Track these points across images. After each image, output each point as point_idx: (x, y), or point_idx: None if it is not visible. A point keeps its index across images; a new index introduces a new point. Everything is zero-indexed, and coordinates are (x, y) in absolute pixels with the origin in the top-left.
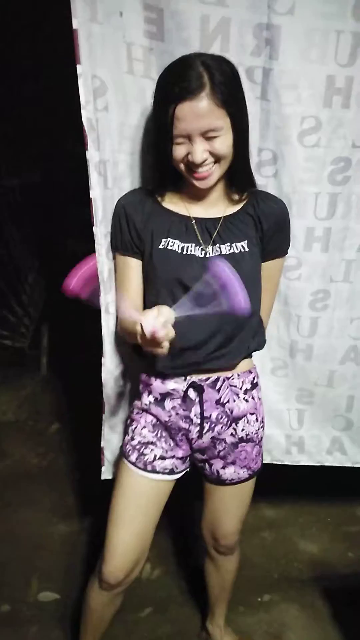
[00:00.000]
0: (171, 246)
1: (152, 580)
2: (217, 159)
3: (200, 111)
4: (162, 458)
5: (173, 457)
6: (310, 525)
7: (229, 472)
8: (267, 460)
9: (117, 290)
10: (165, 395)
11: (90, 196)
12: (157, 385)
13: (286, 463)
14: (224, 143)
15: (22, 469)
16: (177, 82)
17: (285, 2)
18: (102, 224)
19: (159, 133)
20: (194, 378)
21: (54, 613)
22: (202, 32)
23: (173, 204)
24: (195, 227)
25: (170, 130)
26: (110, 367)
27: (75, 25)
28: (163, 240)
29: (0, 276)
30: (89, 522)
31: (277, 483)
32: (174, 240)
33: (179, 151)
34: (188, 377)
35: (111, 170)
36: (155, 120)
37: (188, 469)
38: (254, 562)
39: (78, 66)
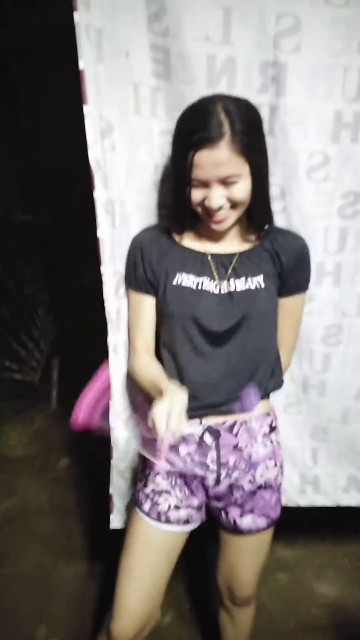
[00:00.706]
0: (185, 282)
1: (163, 627)
2: (234, 205)
3: (218, 160)
4: (177, 507)
5: (188, 506)
6: (327, 567)
7: (246, 521)
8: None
9: (130, 329)
10: (179, 441)
11: (98, 235)
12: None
13: (301, 505)
14: (242, 189)
15: (31, 507)
16: (196, 129)
17: (291, 40)
18: (109, 263)
19: (177, 176)
20: (210, 422)
21: None
22: (209, 71)
23: (189, 241)
24: (211, 262)
25: (188, 176)
26: (119, 409)
27: (81, 65)
28: (177, 275)
29: (10, 310)
30: (99, 563)
31: (291, 521)
32: (188, 275)
33: (196, 195)
34: (204, 421)
35: (119, 209)
36: (173, 163)
37: (204, 520)
38: (267, 607)
39: (85, 107)
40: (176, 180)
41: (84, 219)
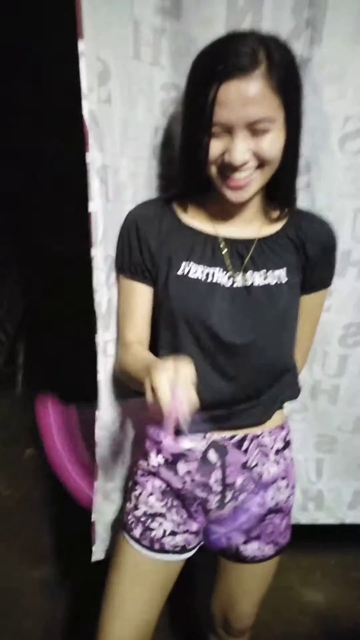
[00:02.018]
0: (193, 273)
1: None
2: (262, 164)
3: (250, 95)
4: (173, 534)
5: (186, 531)
6: (314, 570)
7: (251, 549)
8: None
9: (119, 321)
10: (178, 457)
11: (90, 210)
12: (169, 443)
13: (302, 522)
14: (274, 143)
15: None
16: (224, 56)
17: None
18: (101, 244)
19: (191, 122)
20: (216, 436)
21: None
22: (229, 9)
23: (196, 219)
24: (224, 249)
25: (207, 117)
26: (107, 421)
27: None
28: (183, 263)
29: None
30: (67, 569)
31: None
32: (196, 265)
33: (215, 146)
34: (208, 435)
35: (112, 178)
36: (188, 103)
37: (202, 543)
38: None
39: (80, 43)
40: (189, 129)
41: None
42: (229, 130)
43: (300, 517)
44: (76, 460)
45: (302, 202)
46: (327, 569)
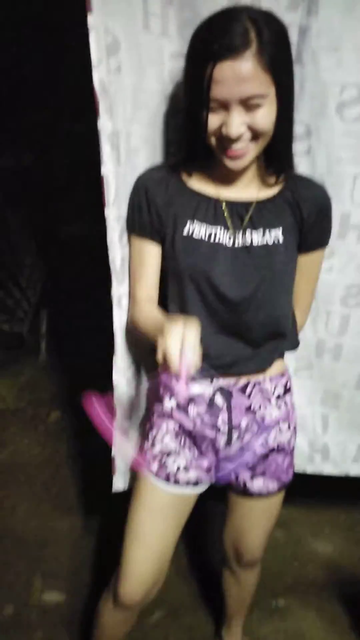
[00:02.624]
0: (197, 233)
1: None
2: (256, 135)
3: (243, 74)
4: (186, 469)
5: (198, 467)
6: (324, 525)
7: (257, 484)
8: None
9: (131, 278)
10: (189, 401)
11: (102, 173)
12: (180, 391)
13: (308, 472)
14: (267, 116)
15: (22, 459)
16: (217, 37)
17: None
18: (114, 205)
19: (190, 97)
20: (222, 382)
21: (59, 616)
22: None
23: (199, 183)
24: (225, 209)
25: (205, 94)
26: (122, 366)
27: None
28: (188, 223)
29: None
30: (94, 517)
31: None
32: (200, 225)
33: (213, 121)
34: (215, 381)
35: (124, 143)
36: (187, 81)
37: (213, 481)
38: (265, 563)
39: (89, 16)
40: (189, 103)
41: (71, 164)
42: (225, 105)
43: (307, 467)
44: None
45: (303, 167)
46: (336, 525)
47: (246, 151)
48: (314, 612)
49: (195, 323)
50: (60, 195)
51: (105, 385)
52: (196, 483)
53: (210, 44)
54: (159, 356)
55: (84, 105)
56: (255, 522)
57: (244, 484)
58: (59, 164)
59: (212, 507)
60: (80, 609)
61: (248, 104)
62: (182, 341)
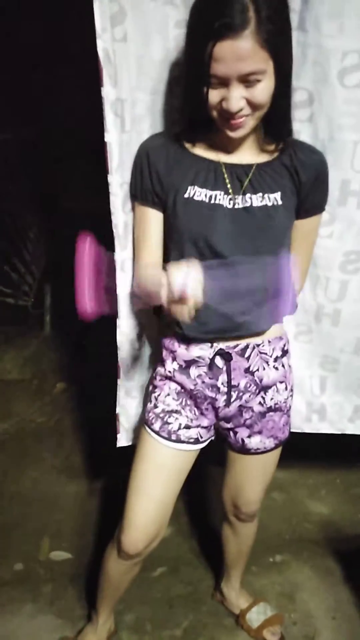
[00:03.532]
0: (197, 196)
1: (164, 539)
2: (254, 108)
3: (242, 52)
4: (187, 427)
5: (198, 426)
6: (320, 487)
7: (254, 442)
8: None
9: (135, 245)
10: (190, 363)
11: (105, 140)
12: (182, 352)
13: (306, 431)
14: (264, 90)
15: (28, 428)
16: (217, 15)
17: None
18: (117, 172)
19: (191, 73)
20: (221, 345)
21: (67, 572)
22: None
23: (201, 149)
24: (225, 173)
25: (205, 72)
26: (126, 329)
27: None
28: (189, 188)
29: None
30: (98, 481)
31: (285, 444)
32: (200, 189)
33: (214, 96)
34: (215, 344)
35: (129, 110)
36: (188, 57)
37: (213, 438)
38: (264, 523)
39: None
40: (191, 79)
41: (73, 136)
42: (224, 82)
43: (305, 427)
44: (96, 286)
45: (305, 134)
46: (332, 486)
47: (246, 120)
48: (309, 566)
49: (198, 264)
50: (62, 168)
51: (109, 356)
52: (197, 440)
53: (209, 21)
54: (163, 288)
55: (86, 76)
56: (252, 477)
57: (242, 442)
58: (60, 136)
59: (211, 469)
60: (87, 566)
61: (247, 80)
62: (187, 274)
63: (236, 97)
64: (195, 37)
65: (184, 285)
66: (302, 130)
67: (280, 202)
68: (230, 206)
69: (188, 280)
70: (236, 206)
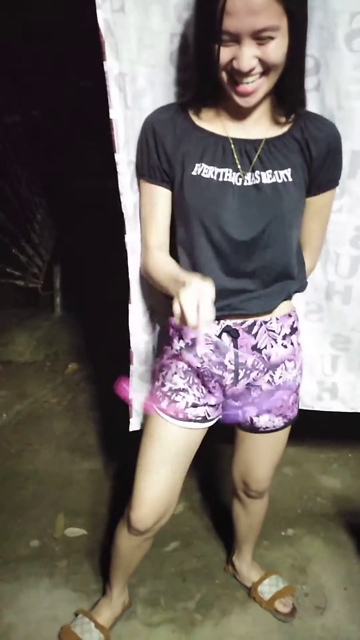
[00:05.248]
0: (205, 173)
1: (176, 515)
2: (267, 69)
3: (255, 6)
4: (194, 405)
5: (205, 404)
6: (332, 462)
7: (263, 420)
8: None
9: (142, 225)
10: (196, 340)
11: (111, 117)
12: (189, 329)
13: (316, 409)
14: (278, 49)
15: (42, 408)
16: None
17: None
18: (124, 150)
19: (201, 30)
20: (228, 322)
21: (81, 548)
22: None
23: (208, 121)
24: (234, 149)
25: (217, 27)
26: (138, 314)
27: None
28: (196, 165)
29: (7, 215)
30: (111, 460)
31: (297, 419)
32: (208, 167)
33: (225, 54)
34: (222, 321)
35: (130, 85)
36: (198, 13)
37: (220, 416)
38: (276, 497)
39: None
40: (200, 36)
41: (79, 118)
42: (236, 39)
43: (316, 405)
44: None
45: (312, 103)
46: (344, 461)
47: (257, 87)
48: (321, 539)
49: (211, 283)
50: (69, 149)
51: (120, 336)
52: (204, 418)
53: None
54: (175, 310)
55: (91, 57)
56: (261, 455)
57: (251, 420)
58: (66, 118)
59: (222, 446)
60: (101, 542)
61: (260, 37)
62: (199, 299)
63: (248, 56)
64: None
65: (196, 309)
66: (309, 100)
67: (290, 179)
68: (239, 184)
69: (200, 303)
70: (245, 183)
